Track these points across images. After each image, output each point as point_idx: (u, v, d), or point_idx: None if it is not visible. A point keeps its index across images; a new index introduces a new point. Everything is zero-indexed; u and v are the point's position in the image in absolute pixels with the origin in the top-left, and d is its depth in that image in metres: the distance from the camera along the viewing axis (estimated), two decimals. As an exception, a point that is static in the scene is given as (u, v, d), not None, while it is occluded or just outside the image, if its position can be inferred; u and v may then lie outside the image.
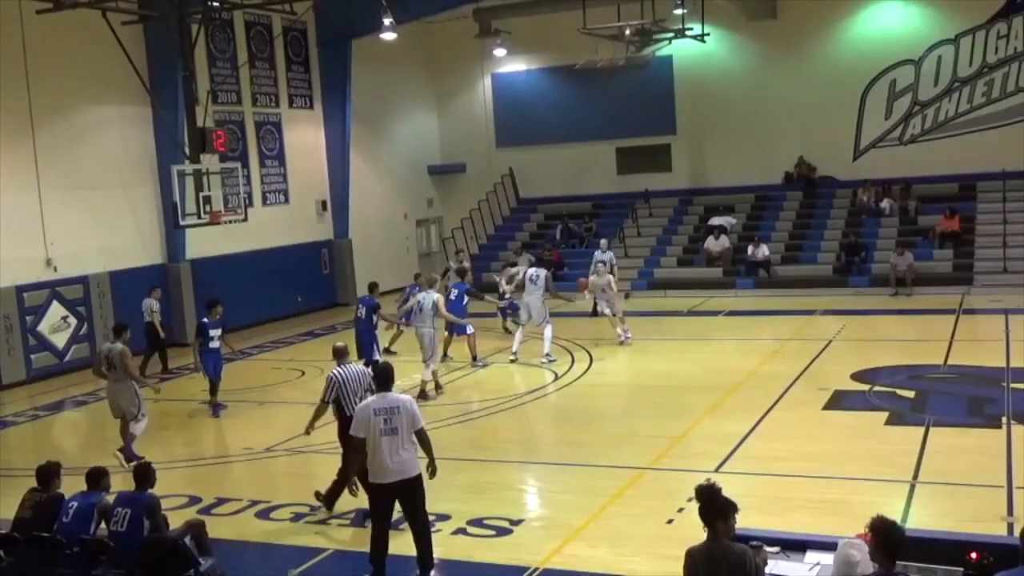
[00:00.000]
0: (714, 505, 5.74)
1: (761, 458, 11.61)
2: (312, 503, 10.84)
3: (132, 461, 12.54)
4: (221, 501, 10.87)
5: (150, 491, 8.42)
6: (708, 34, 25.84)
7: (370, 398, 8.60)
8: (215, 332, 15.50)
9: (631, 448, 12.35)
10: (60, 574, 8.05)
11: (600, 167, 30.60)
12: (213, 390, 15.58)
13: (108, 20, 18.33)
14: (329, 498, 10.48)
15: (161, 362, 19.28)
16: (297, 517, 10.57)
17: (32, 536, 8.17)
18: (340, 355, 10.57)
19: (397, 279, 29.78)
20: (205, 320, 15.66)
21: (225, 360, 16.15)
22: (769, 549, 6.46)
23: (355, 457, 8.34)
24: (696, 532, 5.87)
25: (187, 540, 8.15)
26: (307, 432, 10.59)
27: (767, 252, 25.76)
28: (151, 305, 19.35)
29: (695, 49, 27.22)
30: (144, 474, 8.43)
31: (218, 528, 10.02)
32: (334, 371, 10.30)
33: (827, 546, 6.40)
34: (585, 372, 17.10)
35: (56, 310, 20.11)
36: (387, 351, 19.36)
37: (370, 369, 10.54)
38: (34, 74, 19.42)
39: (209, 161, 19.50)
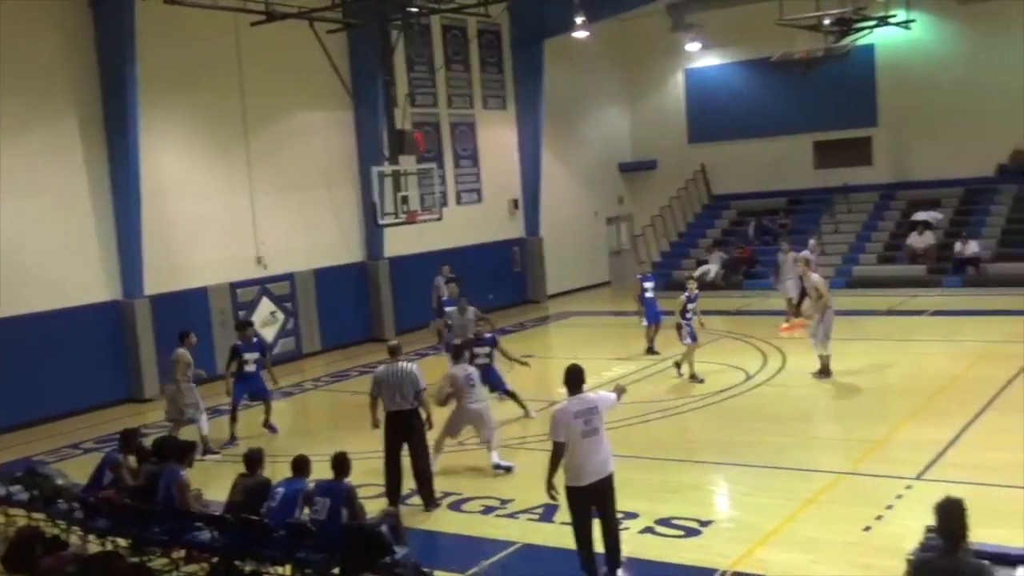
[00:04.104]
0: (964, 519, 5.35)
1: (968, 466, 10.99)
2: (502, 496, 11.04)
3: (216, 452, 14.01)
4: (412, 492, 11.16)
5: (346, 480, 8.82)
6: (913, 20, 24.71)
7: (564, 402, 8.46)
8: (250, 356, 14.89)
9: (826, 451, 11.97)
10: (266, 555, 8.53)
11: (796, 161, 29.70)
12: (267, 410, 15.26)
13: (315, 30, 19.19)
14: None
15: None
16: (487, 510, 10.77)
17: (242, 519, 8.68)
18: (393, 352, 11.24)
19: (588, 277, 29.98)
20: (239, 344, 15.03)
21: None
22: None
23: (555, 463, 8.28)
24: (894, 541, 5.66)
25: (384, 528, 8.47)
26: (374, 426, 11.14)
27: (976, 249, 24.41)
28: (438, 282, 21.29)
29: (899, 36, 25.97)
30: (341, 464, 8.85)
31: (411, 518, 10.35)
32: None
33: (1041, 562, 6.04)
34: (778, 372, 16.67)
35: (265, 306, 21.21)
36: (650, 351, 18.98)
37: None
38: (248, 83, 20.57)
39: (407, 162, 20.16)
